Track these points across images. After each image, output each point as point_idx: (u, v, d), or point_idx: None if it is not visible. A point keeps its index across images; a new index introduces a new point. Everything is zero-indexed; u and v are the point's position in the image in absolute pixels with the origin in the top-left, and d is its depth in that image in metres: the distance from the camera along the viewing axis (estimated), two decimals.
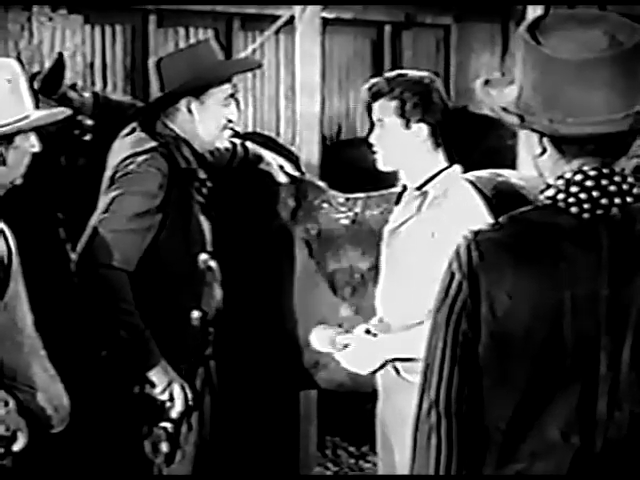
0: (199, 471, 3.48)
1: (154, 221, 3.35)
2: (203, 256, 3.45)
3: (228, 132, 3.55)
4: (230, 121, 3.51)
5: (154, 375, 3.33)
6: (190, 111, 3.45)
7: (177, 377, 3.36)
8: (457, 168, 3.22)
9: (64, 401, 2.63)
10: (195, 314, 3.43)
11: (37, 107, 2.81)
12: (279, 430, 4.64)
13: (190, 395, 3.39)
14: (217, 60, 3.51)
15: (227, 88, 3.50)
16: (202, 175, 3.48)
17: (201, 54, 3.51)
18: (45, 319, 2.66)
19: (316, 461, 5.02)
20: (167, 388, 3.33)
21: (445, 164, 3.19)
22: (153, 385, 3.33)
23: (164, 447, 3.38)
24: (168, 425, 3.38)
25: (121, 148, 3.44)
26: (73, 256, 3.50)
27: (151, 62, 3.55)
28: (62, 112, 2.91)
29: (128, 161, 3.37)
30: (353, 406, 5.02)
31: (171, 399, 3.35)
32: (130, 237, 3.31)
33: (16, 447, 2.54)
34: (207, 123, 3.48)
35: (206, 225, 3.47)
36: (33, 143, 2.76)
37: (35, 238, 3.51)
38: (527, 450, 1.97)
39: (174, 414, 3.37)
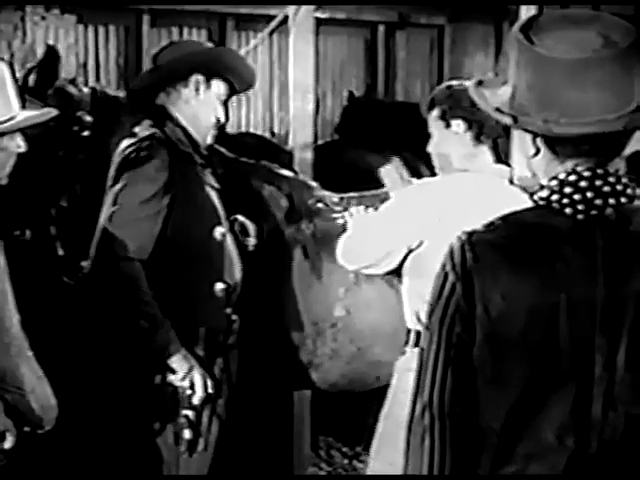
0: (217, 462, 3.50)
1: (162, 204, 3.37)
2: (219, 229, 3.47)
3: (214, 132, 3.58)
4: (219, 121, 3.55)
5: (175, 362, 3.35)
6: (197, 90, 3.50)
7: (197, 365, 3.39)
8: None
9: (51, 401, 2.63)
10: (219, 286, 3.45)
11: (24, 107, 2.80)
12: (273, 430, 4.63)
13: (210, 383, 3.41)
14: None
15: (225, 87, 3.55)
16: (199, 160, 3.52)
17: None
18: (32, 319, 2.66)
19: (310, 461, 5.02)
20: (187, 375, 3.36)
21: None
22: (174, 372, 3.36)
23: (187, 434, 3.40)
24: (190, 412, 3.40)
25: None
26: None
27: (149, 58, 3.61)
28: (49, 113, 2.89)
29: (128, 150, 3.40)
30: (346, 406, 5.02)
31: (191, 386, 3.38)
32: (141, 225, 3.34)
33: (5, 447, 2.54)
34: (207, 108, 3.52)
35: (215, 198, 3.49)
36: (19, 144, 2.75)
37: (22, 237, 3.51)
38: (522, 452, 1.96)
39: (196, 400, 3.39)
